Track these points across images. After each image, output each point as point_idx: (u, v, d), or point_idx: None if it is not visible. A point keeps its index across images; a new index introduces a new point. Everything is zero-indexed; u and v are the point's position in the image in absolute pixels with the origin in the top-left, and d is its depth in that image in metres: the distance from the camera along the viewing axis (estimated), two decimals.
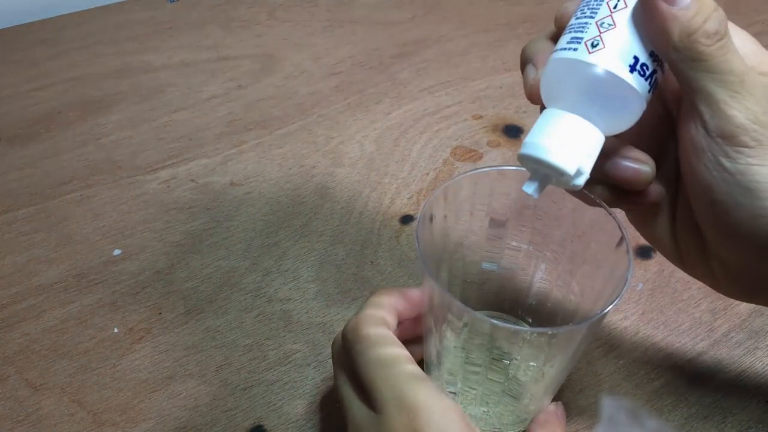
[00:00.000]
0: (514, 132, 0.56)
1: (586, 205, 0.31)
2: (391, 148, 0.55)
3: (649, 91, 0.26)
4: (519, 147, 0.26)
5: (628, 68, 0.25)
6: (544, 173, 0.27)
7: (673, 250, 0.31)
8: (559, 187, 0.28)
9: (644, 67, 0.25)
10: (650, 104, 0.26)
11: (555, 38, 0.29)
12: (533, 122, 0.27)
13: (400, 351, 0.30)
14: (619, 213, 0.31)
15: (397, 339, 0.30)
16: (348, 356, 0.31)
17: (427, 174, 0.53)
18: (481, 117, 0.58)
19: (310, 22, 0.71)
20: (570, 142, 0.26)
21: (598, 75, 0.25)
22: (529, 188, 0.27)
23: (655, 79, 0.26)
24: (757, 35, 0.27)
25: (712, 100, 0.25)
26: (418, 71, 0.64)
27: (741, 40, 0.26)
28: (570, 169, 0.25)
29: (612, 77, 0.25)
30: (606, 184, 0.29)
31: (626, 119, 0.26)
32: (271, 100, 0.60)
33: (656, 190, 0.29)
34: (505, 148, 0.55)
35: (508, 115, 0.58)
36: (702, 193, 0.27)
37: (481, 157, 0.54)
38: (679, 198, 0.30)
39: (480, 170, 0.33)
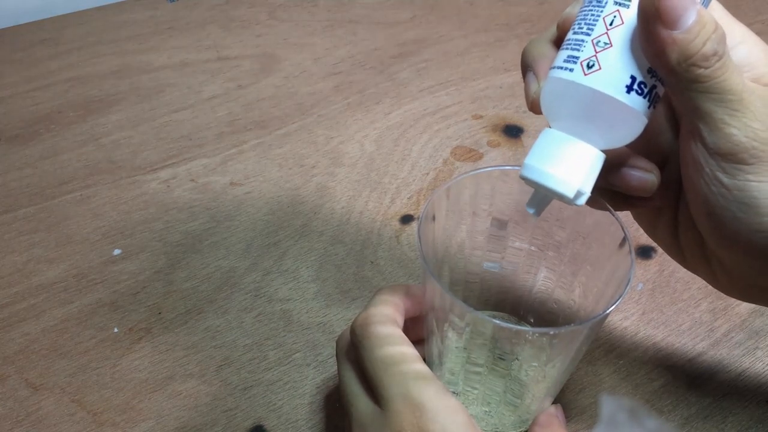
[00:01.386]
0: (514, 132, 0.56)
1: (588, 206, 0.31)
2: (391, 148, 0.55)
3: (649, 107, 0.25)
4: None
5: (625, 89, 0.25)
6: (544, 194, 0.27)
7: (675, 248, 0.31)
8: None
9: (642, 86, 0.25)
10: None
11: (556, 41, 0.29)
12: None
13: (408, 350, 0.30)
14: (623, 212, 0.31)
15: (405, 337, 0.30)
16: (356, 352, 0.31)
17: (427, 174, 0.53)
18: (481, 117, 0.58)
19: (310, 22, 0.71)
20: (569, 166, 0.26)
21: (594, 97, 0.25)
22: (531, 209, 0.29)
23: (655, 93, 0.25)
24: (757, 35, 0.27)
25: (710, 119, 0.24)
26: (418, 71, 0.64)
27: (749, 47, 0.26)
28: (570, 193, 0.26)
29: (608, 99, 0.25)
30: (610, 190, 0.29)
31: (627, 136, 0.26)
32: (271, 100, 0.60)
33: (660, 194, 0.29)
34: (505, 148, 0.55)
35: (508, 115, 0.58)
36: (701, 205, 0.27)
37: (481, 157, 0.54)
38: (682, 199, 0.30)
39: (482, 170, 0.33)
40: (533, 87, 0.28)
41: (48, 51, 0.66)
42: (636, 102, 0.25)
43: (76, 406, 0.38)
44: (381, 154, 0.55)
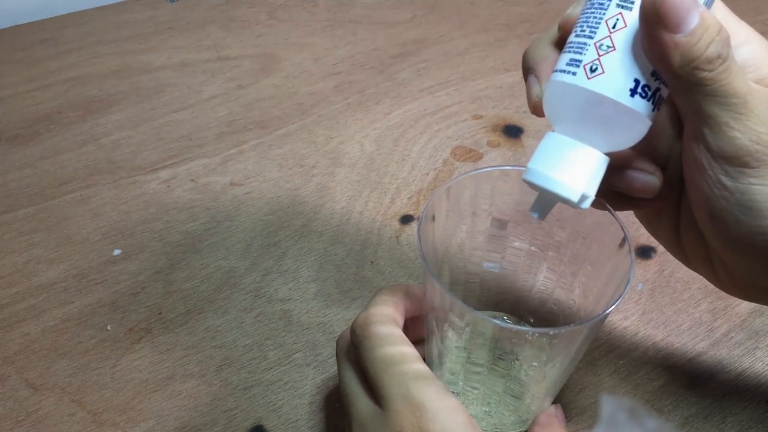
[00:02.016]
0: (514, 132, 0.56)
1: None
2: (391, 148, 0.55)
3: (653, 110, 0.25)
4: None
5: (629, 92, 0.25)
6: (548, 198, 0.27)
7: (676, 247, 0.31)
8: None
9: (646, 89, 0.25)
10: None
11: (558, 42, 0.28)
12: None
13: (408, 350, 0.30)
14: (623, 213, 0.31)
15: (405, 337, 0.30)
16: (356, 352, 0.31)
17: (427, 174, 0.53)
18: (481, 117, 0.58)
19: (310, 22, 0.71)
20: (574, 171, 0.26)
21: (597, 101, 0.25)
22: (535, 213, 0.29)
23: (659, 96, 0.25)
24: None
25: (713, 122, 0.24)
26: (418, 71, 0.64)
27: (753, 48, 0.26)
28: (574, 197, 0.26)
29: (612, 103, 0.25)
30: (613, 191, 0.29)
31: (630, 139, 0.26)
32: (271, 100, 0.60)
33: (661, 194, 0.29)
34: (505, 148, 0.55)
35: (508, 115, 0.58)
36: (703, 207, 0.27)
37: (481, 157, 0.54)
38: (684, 199, 0.30)
39: (482, 170, 0.33)
40: (535, 90, 0.28)
41: (48, 51, 0.66)
42: (640, 105, 0.25)
43: (76, 406, 0.38)
44: (381, 154, 0.55)
